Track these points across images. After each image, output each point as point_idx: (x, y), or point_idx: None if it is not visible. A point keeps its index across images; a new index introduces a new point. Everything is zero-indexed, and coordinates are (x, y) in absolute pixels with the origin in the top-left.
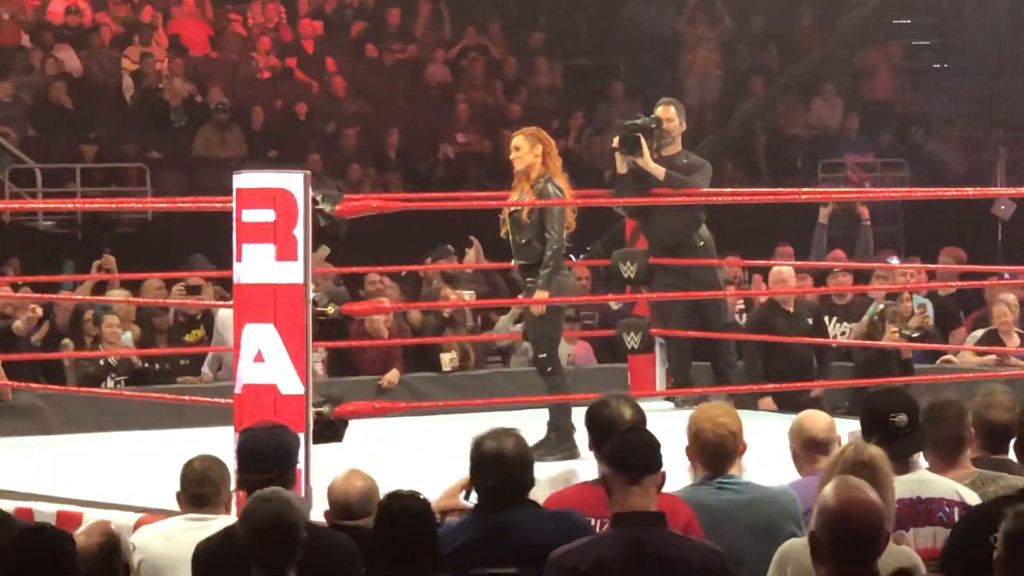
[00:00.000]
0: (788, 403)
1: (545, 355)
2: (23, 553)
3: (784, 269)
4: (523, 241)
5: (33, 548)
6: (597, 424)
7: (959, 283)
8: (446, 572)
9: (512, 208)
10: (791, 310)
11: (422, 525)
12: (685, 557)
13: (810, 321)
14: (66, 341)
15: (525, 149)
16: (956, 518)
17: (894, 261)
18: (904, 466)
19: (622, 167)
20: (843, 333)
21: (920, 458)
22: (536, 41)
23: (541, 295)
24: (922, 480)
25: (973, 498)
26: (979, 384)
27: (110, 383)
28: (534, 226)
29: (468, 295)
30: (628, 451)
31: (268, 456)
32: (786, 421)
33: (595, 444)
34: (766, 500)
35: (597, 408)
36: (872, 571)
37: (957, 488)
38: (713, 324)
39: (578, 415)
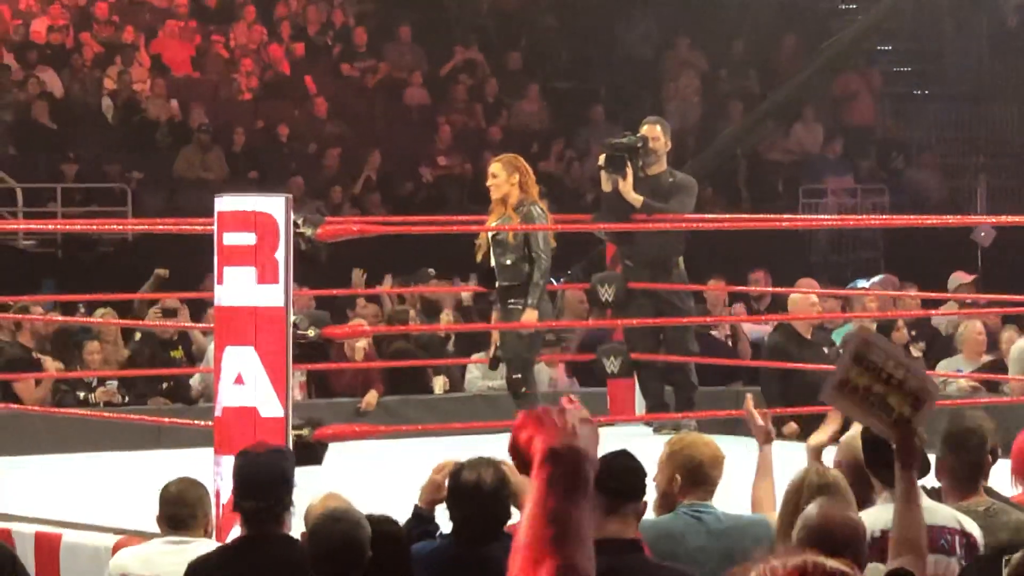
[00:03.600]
0: (811, 431)
1: (519, 375)
2: None
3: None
4: (508, 262)
5: None
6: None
7: (932, 311)
8: None
9: (497, 232)
10: (809, 337)
11: (394, 550)
12: None
13: (826, 350)
14: (55, 362)
15: (502, 177)
16: (957, 547)
17: (863, 284)
18: None
19: (607, 185)
20: None
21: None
22: (517, 64)
23: (531, 314)
24: (926, 508)
25: (973, 527)
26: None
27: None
28: (519, 247)
29: (445, 318)
30: (609, 475)
31: (266, 484)
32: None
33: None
34: (740, 529)
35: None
36: None
37: (958, 516)
38: (676, 350)
39: None
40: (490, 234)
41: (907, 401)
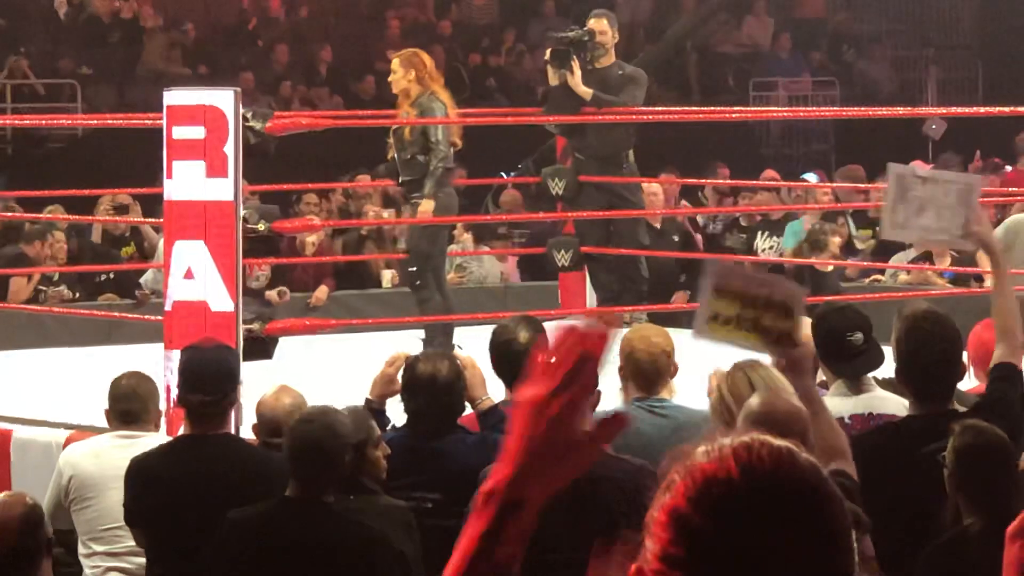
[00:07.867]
0: (659, 318)
1: (414, 268)
2: None
3: (655, 185)
4: (407, 157)
5: None
6: (494, 347)
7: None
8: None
9: (395, 127)
10: (658, 227)
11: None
12: (616, 477)
13: (676, 238)
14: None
15: (400, 74)
16: None
17: (812, 178)
18: (859, 385)
19: (554, 80)
20: (771, 247)
21: (872, 377)
22: None
23: (427, 204)
24: (876, 397)
25: None
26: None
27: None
28: (417, 142)
29: (387, 214)
30: None
31: (211, 378)
32: (674, 335)
33: (495, 368)
34: (697, 423)
35: (496, 332)
36: None
37: (907, 405)
38: (627, 242)
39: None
40: (392, 131)
41: (780, 315)
